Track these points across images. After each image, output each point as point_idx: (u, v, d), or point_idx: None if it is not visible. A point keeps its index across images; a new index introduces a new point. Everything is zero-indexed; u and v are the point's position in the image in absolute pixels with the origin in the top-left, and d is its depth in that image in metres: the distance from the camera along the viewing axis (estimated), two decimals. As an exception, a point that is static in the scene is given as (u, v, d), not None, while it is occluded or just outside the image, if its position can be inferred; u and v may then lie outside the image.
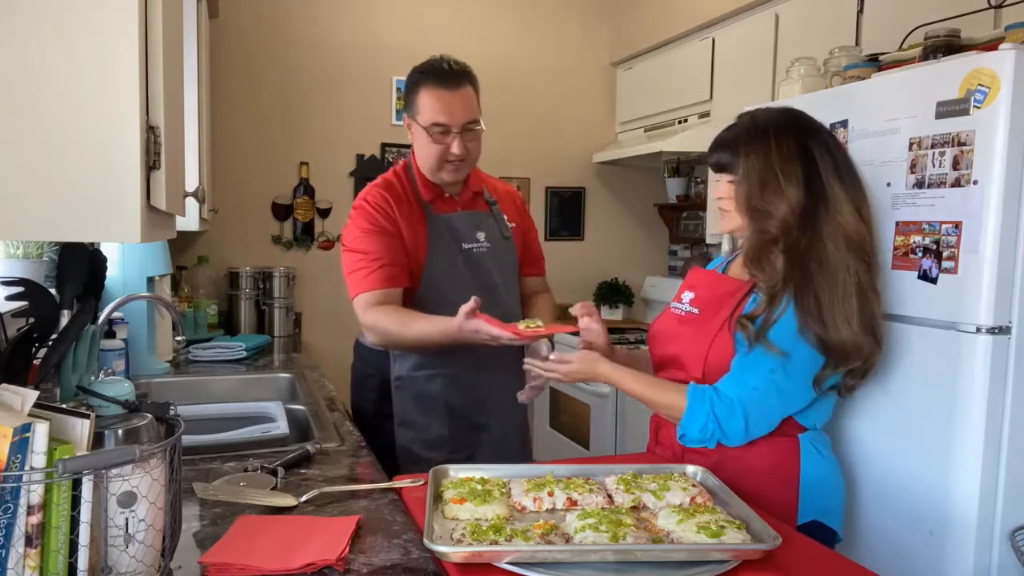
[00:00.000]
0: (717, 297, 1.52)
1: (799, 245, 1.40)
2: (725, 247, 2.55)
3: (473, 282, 1.83)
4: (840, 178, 1.42)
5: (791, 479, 1.45)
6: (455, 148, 1.78)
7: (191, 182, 2.51)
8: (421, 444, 1.86)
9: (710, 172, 3.26)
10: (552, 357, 1.56)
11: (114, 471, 0.84)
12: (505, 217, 1.97)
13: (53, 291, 1.15)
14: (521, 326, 1.58)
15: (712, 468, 1.38)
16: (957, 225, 1.50)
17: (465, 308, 1.60)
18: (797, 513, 1.45)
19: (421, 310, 1.78)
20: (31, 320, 1.05)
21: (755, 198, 1.41)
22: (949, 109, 1.51)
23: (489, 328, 1.58)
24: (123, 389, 1.15)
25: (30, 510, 0.78)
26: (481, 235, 1.90)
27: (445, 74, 1.79)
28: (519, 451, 2.01)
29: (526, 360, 1.63)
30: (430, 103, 1.78)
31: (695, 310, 1.54)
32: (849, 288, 1.39)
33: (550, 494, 1.25)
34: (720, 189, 1.50)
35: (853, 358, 1.40)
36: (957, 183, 1.50)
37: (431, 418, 1.86)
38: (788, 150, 1.41)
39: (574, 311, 1.65)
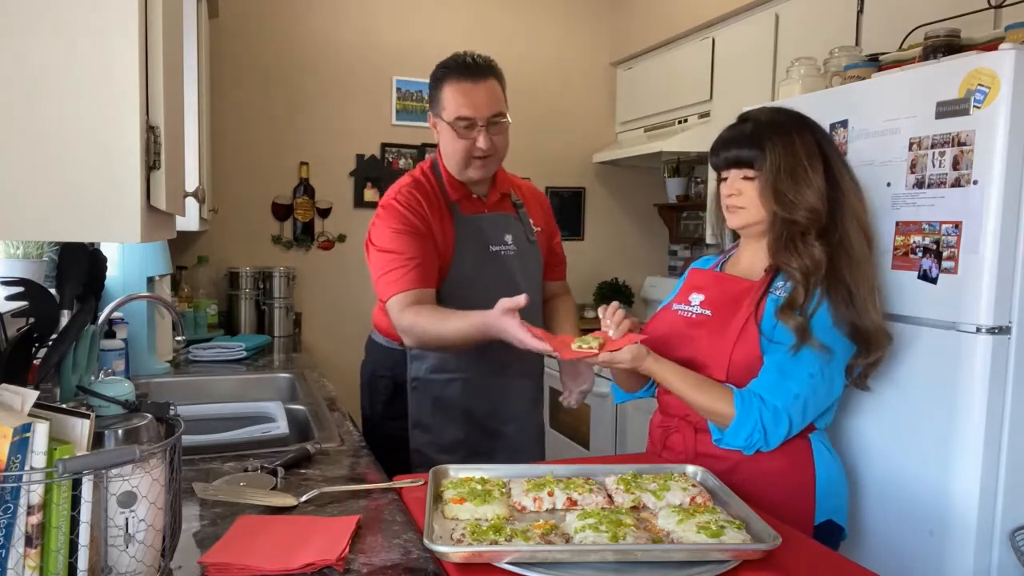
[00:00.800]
0: (730, 298, 1.51)
1: (831, 235, 1.43)
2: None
3: (499, 284, 1.80)
4: (848, 173, 1.48)
5: (807, 480, 1.47)
6: (481, 142, 1.74)
7: (191, 182, 2.51)
8: (436, 448, 1.83)
9: (710, 172, 3.27)
10: (603, 357, 1.44)
11: (114, 471, 0.84)
12: (531, 221, 1.95)
13: (53, 291, 1.15)
14: (574, 345, 1.44)
15: (727, 472, 1.40)
16: (957, 225, 1.50)
17: (506, 303, 1.50)
18: (815, 513, 1.46)
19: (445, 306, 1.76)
20: (31, 320, 1.05)
21: (787, 189, 1.42)
22: (949, 109, 1.51)
23: (516, 331, 1.48)
24: (123, 389, 1.15)
25: (30, 510, 0.78)
26: (508, 237, 1.87)
27: (468, 67, 1.76)
28: (536, 457, 1.99)
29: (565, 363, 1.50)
30: (454, 97, 1.75)
31: (707, 312, 1.52)
32: (871, 277, 1.44)
33: (550, 494, 1.25)
34: (733, 185, 1.49)
35: (882, 344, 1.45)
36: (957, 183, 1.50)
37: (447, 422, 1.84)
38: (809, 143, 1.45)
39: (605, 315, 1.49)
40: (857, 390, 1.57)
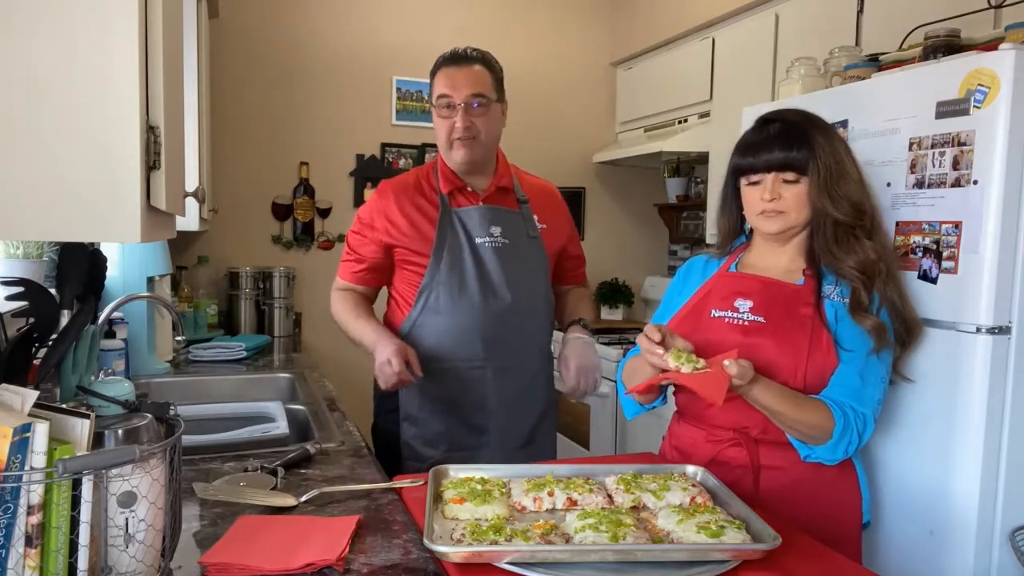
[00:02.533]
0: (781, 303, 1.45)
1: (875, 229, 1.44)
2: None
3: (477, 277, 1.83)
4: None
5: (854, 483, 1.48)
6: (459, 121, 1.79)
7: (191, 182, 2.51)
8: (421, 440, 1.87)
9: (710, 172, 3.28)
10: (727, 363, 1.30)
11: (114, 471, 0.84)
12: (536, 218, 1.96)
13: (53, 291, 1.15)
14: (685, 368, 1.31)
15: (791, 484, 1.41)
16: (957, 225, 1.50)
17: (402, 356, 1.72)
18: (863, 514, 1.48)
19: (425, 299, 1.84)
20: (31, 320, 1.05)
21: (838, 188, 1.40)
22: (949, 109, 1.51)
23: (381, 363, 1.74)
24: (123, 389, 1.16)
25: (30, 510, 0.78)
26: (496, 230, 1.88)
27: (457, 55, 1.84)
28: (521, 458, 1.90)
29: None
30: (439, 81, 1.84)
31: (760, 319, 1.45)
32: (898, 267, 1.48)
33: (550, 494, 1.25)
34: (774, 190, 1.42)
35: (920, 334, 1.50)
36: (957, 183, 1.50)
37: (432, 414, 1.87)
38: (842, 140, 1.46)
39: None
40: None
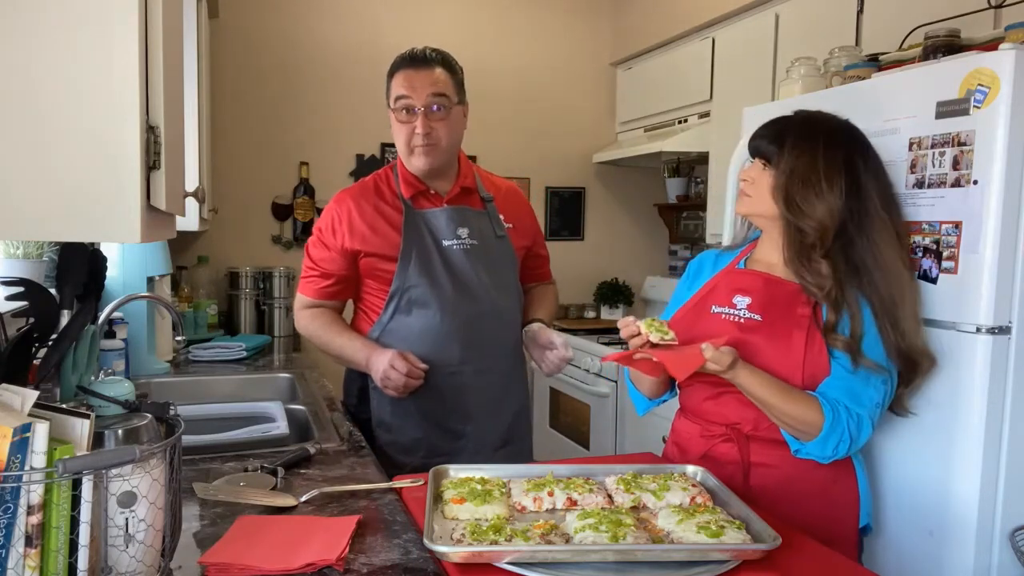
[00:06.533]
0: (780, 302, 1.45)
1: (854, 254, 1.41)
2: (726, 241, 2.51)
3: (449, 279, 1.80)
4: (882, 194, 1.45)
5: (852, 487, 1.48)
6: (418, 126, 1.76)
7: (191, 182, 2.51)
8: (397, 447, 1.83)
9: (711, 172, 3.28)
10: (710, 354, 1.33)
11: (114, 471, 0.84)
12: (502, 217, 1.93)
13: (53, 291, 1.15)
14: (653, 336, 1.36)
15: (781, 483, 1.41)
16: (957, 225, 1.50)
17: (403, 354, 1.73)
18: (859, 518, 1.48)
19: (395, 303, 1.81)
20: (31, 320, 1.05)
21: (796, 194, 1.41)
22: (949, 109, 1.51)
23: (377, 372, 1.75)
24: (123, 389, 1.15)
25: (30, 510, 0.79)
26: (463, 232, 1.84)
27: (414, 57, 1.81)
28: (502, 458, 1.87)
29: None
30: (396, 84, 1.81)
31: (757, 316, 1.46)
32: (914, 302, 1.44)
33: (550, 494, 1.25)
34: (750, 172, 1.49)
35: (924, 369, 1.46)
36: (957, 183, 1.50)
37: (406, 421, 1.83)
38: (834, 157, 1.42)
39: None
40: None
